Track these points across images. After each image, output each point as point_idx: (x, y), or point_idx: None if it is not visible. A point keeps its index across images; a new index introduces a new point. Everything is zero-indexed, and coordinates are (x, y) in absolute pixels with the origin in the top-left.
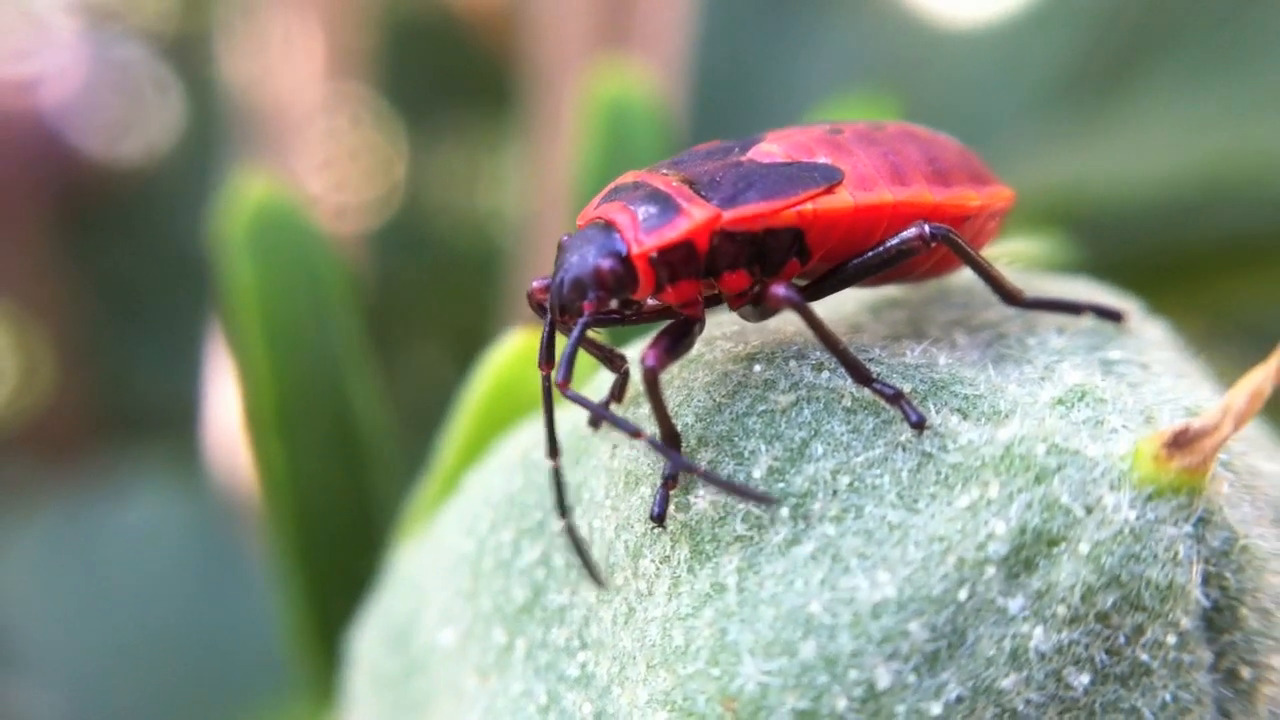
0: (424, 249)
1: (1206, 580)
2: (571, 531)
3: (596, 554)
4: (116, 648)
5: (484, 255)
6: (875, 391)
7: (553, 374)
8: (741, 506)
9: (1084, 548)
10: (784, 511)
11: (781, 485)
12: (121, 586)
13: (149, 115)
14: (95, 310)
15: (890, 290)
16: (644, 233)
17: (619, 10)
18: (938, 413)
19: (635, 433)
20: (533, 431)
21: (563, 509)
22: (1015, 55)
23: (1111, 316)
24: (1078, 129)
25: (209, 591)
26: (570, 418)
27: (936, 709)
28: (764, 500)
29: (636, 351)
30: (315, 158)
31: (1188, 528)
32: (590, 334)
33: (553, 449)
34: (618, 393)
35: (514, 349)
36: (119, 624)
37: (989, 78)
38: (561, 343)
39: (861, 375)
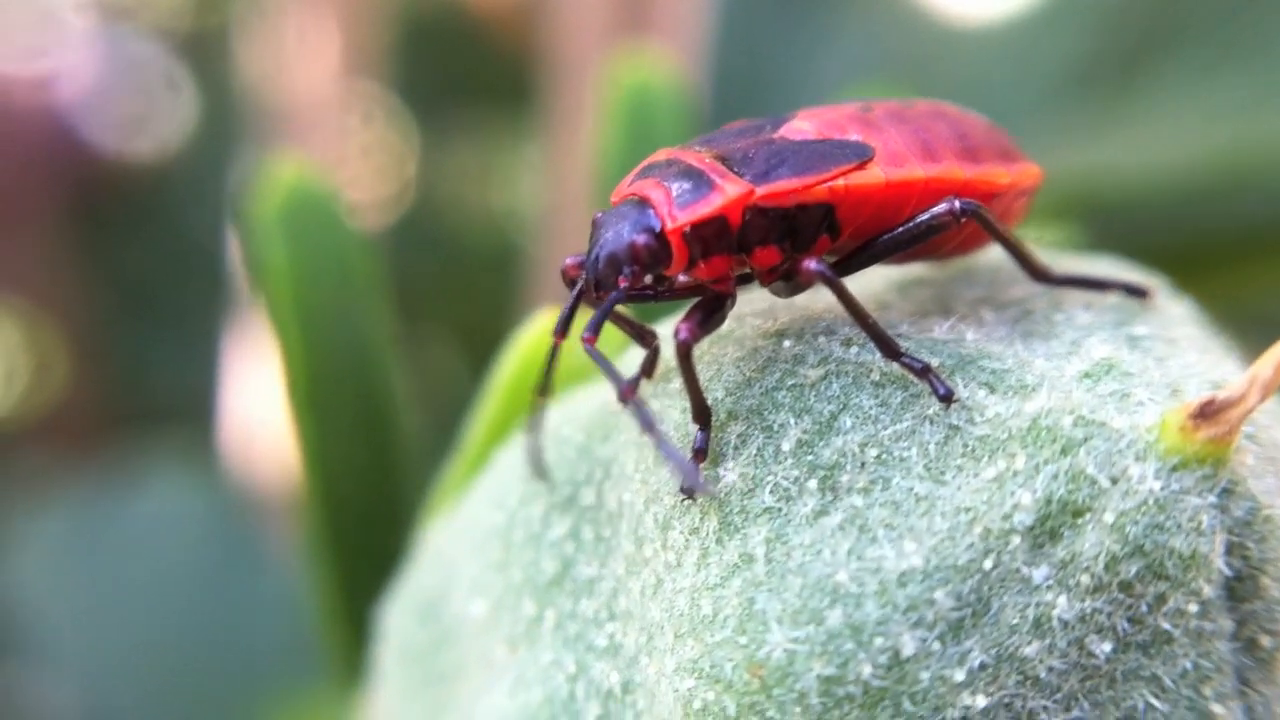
0: (437, 246)
1: (1229, 550)
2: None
3: (625, 527)
4: (132, 639)
5: (497, 252)
6: (904, 366)
7: (563, 343)
8: (770, 478)
9: (1109, 518)
10: (812, 483)
11: (810, 458)
12: (137, 577)
13: (163, 112)
14: (109, 305)
15: (917, 269)
16: (678, 208)
17: (636, 4)
18: (965, 386)
19: (624, 395)
20: (562, 408)
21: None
22: (1028, 50)
23: (1137, 293)
24: (1091, 122)
25: (224, 582)
26: (600, 394)
27: (960, 676)
28: (696, 487)
29: (667, 329)
30: (329, 155)
31: (1212, 498)
32: (621, 310)
33: (544, 389)
34: (648, 368)
35: (542, 328)
36: (134, 615)
37: (1002, 72)
38: (582, 320)
39: (890, 350)
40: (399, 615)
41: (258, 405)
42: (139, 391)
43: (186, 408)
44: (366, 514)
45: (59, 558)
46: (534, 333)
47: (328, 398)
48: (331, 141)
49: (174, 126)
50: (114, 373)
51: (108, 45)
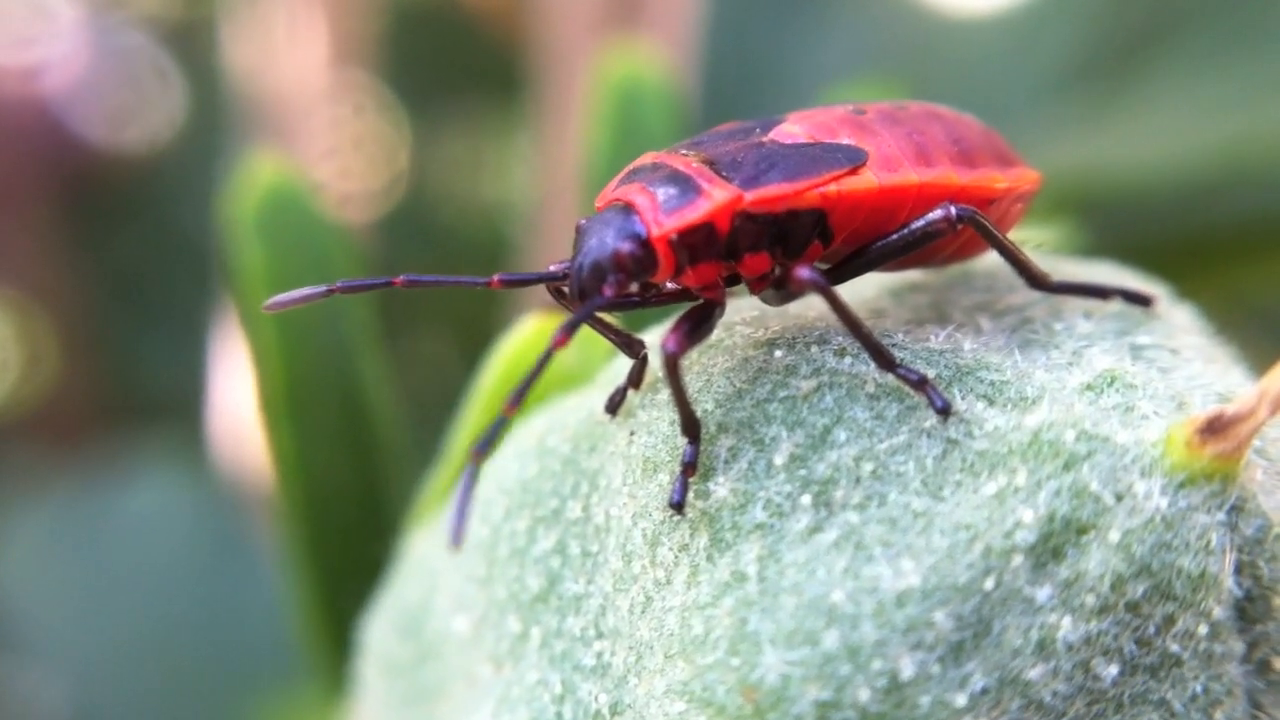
0: (428, 238)
1: (1239, 569)
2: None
3: (613, 542)
4: (122, 634)
5: (489, 244)
6: (899, 377)
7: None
8: (762, 494)
9: (1114, 536)
10: (805, 499)
11: (804, 472)
12: (127, 572)
13: (152, 103)
14: (99, 298)
15: (912, 274)
16: (664, 214)
17: None
18: (963, 399)
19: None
20: (547, 418)
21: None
22: (1026, 41)
23: (1140, 301)
24: (1091, 114)
25: (215, 577)
26: (586, 404)
27: (961, 700)
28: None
29: (655, 337)
30: (319, 146)
31: (1221, 515)
32: (608, 319)
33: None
34: (635, 379)
35: (527, 335)
36: (124, 610)
37: (1000, 64)
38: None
39: (885, 360)
40: (381, 628)
41: (247, 400)
42: (128, 386)
43: (176, 402)
44: (348, 523)
45: (47, 553)
46: (519, 339)
47: (307, 404)
48: (321, 132)
49: (163, 118)
50: (103, 367)
51: (96, 36)
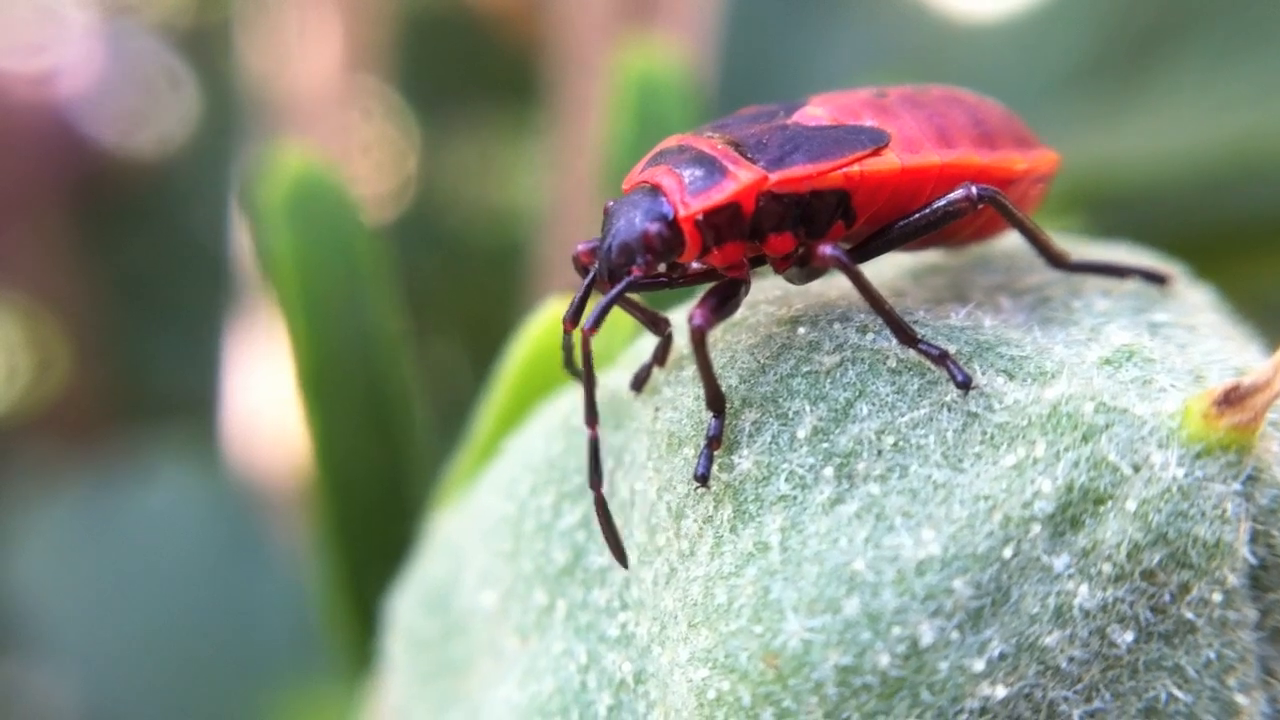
0: (439, 242)
1: (1254, 538)
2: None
3: (638, 516)
4: (136, 632)
5: (499, 248)
6: (921, 352)
7: (575, 333)
8: (785, 466)
9: (1131, 505)
10: (828, 471)
11: (826, 445)
12: (140, 571)
13: (165, 108)
14: (112, 301)
15: (931, 256)
16: (690, 195)
17: None
18: (984, 373)
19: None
20: (573, 396)
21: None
22: (1037, 40)
23: (1157, 280)
24: (1102, 112)
25: (228, 574)
26: (610, 383)
27: (980, 665)
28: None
29: (680, 316)
30: (331, 150)
31: (1236, 485)
32: (633, 297)
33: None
34: (661, 356)
35: (552, 315)
36: (138, 608)
37: (1010, 63)
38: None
39: (907, 336)
40: (407, 605)
41: (260, 399)
42: (142, 386)
43: (189, 402)
44: (375, 503)
45: (62, 552)
46: (544, 321)
47: (334, 386)
48: (333, 137)
49: (176, 122)
50: (117, 367)
51: (110, 41)
